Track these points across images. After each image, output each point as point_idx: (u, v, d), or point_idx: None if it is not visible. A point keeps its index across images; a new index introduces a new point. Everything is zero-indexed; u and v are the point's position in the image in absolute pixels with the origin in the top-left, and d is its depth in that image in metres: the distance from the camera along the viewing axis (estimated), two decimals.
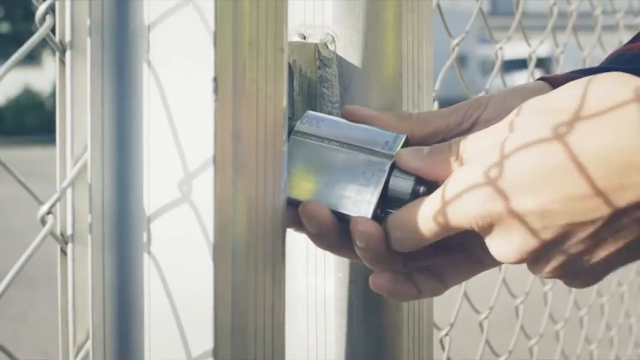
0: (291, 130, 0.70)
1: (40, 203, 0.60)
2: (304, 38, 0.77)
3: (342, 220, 0.68)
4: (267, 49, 0.64)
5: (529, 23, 1.71)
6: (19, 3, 19.47)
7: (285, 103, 0.67)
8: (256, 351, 0.63)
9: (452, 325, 1.14)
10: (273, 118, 0.65)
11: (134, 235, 0.52)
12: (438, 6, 1.03)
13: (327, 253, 0.77)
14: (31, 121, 18.66)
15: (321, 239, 0.69)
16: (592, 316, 2.09)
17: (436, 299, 0.86)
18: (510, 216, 0.62)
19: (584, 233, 0.62)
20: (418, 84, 0.80)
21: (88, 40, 0.60)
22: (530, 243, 0.63)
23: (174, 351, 0.60)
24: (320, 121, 0.71)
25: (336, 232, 0.68)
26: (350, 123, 0.71)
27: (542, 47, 1.59)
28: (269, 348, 0.65)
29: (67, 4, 0.62)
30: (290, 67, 0.74)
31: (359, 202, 0.68)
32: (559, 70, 1.80)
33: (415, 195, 0.67)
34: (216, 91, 0.59)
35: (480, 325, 1.35)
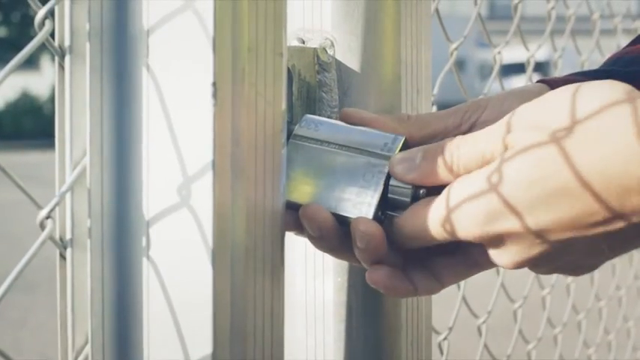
0: (290, 134, 0.70)
1: (39, 208, 0.60)
2: (303, 43, 0.77)
3: (342, 222, 0.68)
4: (266, 54, 0.64)
5: (527, 27, 1.72)
6: (17, 7, 19.47)
7: (284, 107, 0.67)
8: (255, 355, 0.63)
9: (450, 329, 1.14)
10: (272, 122, 0.65)
11: (133, 240, 0.52)
12: (437, 10, 1.03)
13: (326, 257, 0.77)
14: (29, 125, 18.65)
15: (322, 242, 0.69)
16: (590, 320, 2.09)
17: (434, 303, 0.86)
18: (509, 235, 0.63)
19: (582, 244, 0.63)
20: (417, 88, 0.80)
21: (87, 45, 0.60)
22: (530, 254, 0.64)
23: (174, 355, 0.60)
24: (318, 125, 0.71)
25: (336, 235, 0.68)
26: (348, 126, 0.72)
27: (540, 51, 1.59)
28: (268, 352, 0.65)
29: (67, 8, 0.62)
30: (289, 71, 0.74)
31: (359, 204, 0.68)
32: (557, 74, 1.80)
33: (415, 197, 0.67)
34: (215, 95, 0.59)
35: (479, 329, 1.35)
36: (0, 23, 20.50)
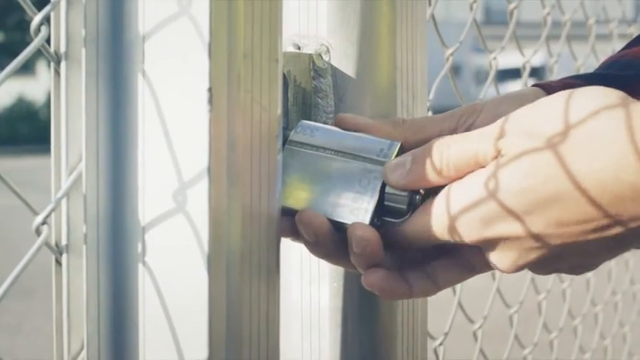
0: (285, 140, 0.71)
1: (35, 213, 0.60)
2: (299, 49, 0.77)
3: (339, 228, 0.68)
4: (261, 60, 0.64)
5: (523, 33, 1.72)
6: (11, 12, 19.45)
7: (279, 113, 0.67)
8: None
9: (446, 334, 1.14)
10: (268, 128, 0.65)
11: (129, 245, 0.52)
12: (432, 16, 1.03)
13: (322, 263, 0.77)
14: (25, 130, 18.65)
15: (318, 247, 0.69)
16: (586, 326, 2.09)
17: (430, 309, 0.86)
18: (505, 239, 0.64)
19: (580, 248, 0.63)
20: (412, 94, 0.81)
21: (83, 51, 0.60)
22: (529, 257, 0.65)
23: None
24: (314, 130, 0.71)
25: (332, 241, 0.68)
26: (344, 131, 0.72)
27: (536, 57, 1.59)
28: (263, 358, 0.65)
29: (62, 14, 0.63)
30: (285, 77, 0.74)
31: (356, 209, 0.68)
32: (553, 79, 1.80)
33: (411, 203, 0.67)
34: (210, 101, 0.59)
35: (474, 334, 1.35)
36: None
